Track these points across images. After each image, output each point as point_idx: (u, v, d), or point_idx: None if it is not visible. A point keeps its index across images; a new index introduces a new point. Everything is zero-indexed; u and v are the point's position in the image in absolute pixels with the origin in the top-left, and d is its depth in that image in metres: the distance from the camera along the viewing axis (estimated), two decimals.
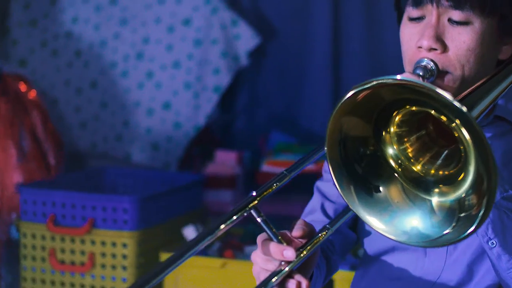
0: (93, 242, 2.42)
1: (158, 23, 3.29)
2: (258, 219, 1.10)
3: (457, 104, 0.93)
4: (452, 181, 1.04)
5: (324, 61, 3.20)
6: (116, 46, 3.33)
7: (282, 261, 1.11)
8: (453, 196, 1.03)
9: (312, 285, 1.28)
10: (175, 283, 2.38)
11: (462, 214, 1.00)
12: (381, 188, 1.08)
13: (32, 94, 2.94)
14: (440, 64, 1.22)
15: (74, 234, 2.42)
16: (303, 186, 1.47)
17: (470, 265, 1.31)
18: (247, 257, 2.34)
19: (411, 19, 1.26)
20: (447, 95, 0.94)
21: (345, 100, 1.00)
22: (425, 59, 1.22)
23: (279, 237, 1.11)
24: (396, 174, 1.09)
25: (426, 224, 1.04)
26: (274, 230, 1.12)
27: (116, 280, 2.40)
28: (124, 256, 2.40)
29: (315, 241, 1.14)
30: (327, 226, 1.16)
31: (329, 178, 1.08)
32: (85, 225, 2.41)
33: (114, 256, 2.41)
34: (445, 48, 1.22)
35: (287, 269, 1.10)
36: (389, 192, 1.08)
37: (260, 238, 1.14)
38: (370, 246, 1.42)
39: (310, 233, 1.15)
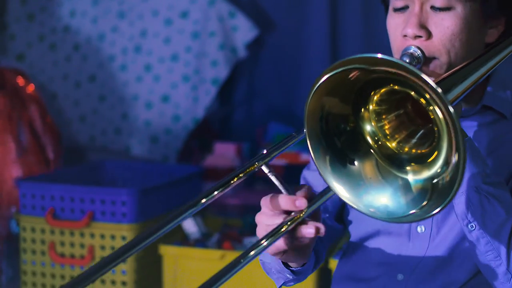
0: (92, 235, 2.43)
1: (156, 16, 3.29)
2: (269, 174, 1.13)
3: (432, 84, 0.95)
4: (424, 160, 1.07)
5: (322, 53, 3.20)
6: (114, 39, 3.33)
7: (293, 212, 1.12)
8: (425, 175, 1.06)
9: (311, 266, 1.30)
10: (174, 275, 2.39)
11: (433, 195, 1.02)
12: (356, 162, 1.11)
13: (30, 88, 2.94)
14: (426, 50, 1.24)
15: (73, 227, 2.43)
16: (295, 180, 1.49)
17: (451, 249, 1.33)
18: (245, 248, 2.35)
19: (396, 10, 1.29)
20: (423, 75, 0.96)
21: (324, 81, 1.03)
22: (412, 46, 1.24)
23: (289, 190, 1.13)
24: (372, 150, 1.12)
25: (396, 201, 1.07)
26: (284, 184, 1.14)
27: (115, 273, 2.41)
28: None
29: (318, 198, 1.16)
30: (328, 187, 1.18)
31: (315, 168, 1.10)
32: (84, 218, 2.42)
33: (113, 248, 2.41)
34: (429, 35, 1.25)
35: (297, 216, 1.11)
36: (364, 167, 1.11)
37: (265, 198, 1.15)
38: (354, 231, 1.44)
39: (313, 197, 1.16)
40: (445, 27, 1.24)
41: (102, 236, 2.42)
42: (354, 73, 1.02)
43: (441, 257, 1.34)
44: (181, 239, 2.50)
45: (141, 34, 3.30)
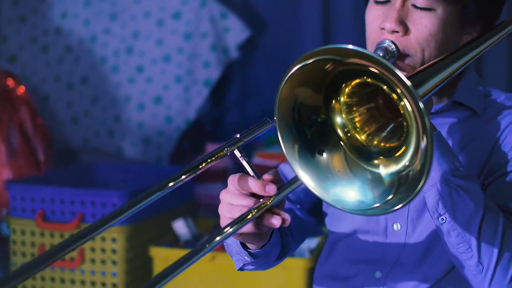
0: None
1: (148, 17, 3.28)
2: (241, 158, 1.14)
3: (403, 78, 0.95)
4: (393, 154, 1.08)
5: None
6: (106, 41, 3.32)
7: (259, 198, 1.12)
8: (393, 169, 1.06)
9: (269, 250, 1.30)
10: None
11: (400, 188, 1.03)
12: (324, 154, 1.11)
13: (21, 90, 2.93)
14: (401, 46, 1.25)
15: (63, 229, 2.42)
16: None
17: (427, 246, 1.34)
18: None
19: (377, 2, 1.30)
20: (395, 69, 0.96)
21: (298, 71, 1.03)
22: (387, 40, 1.25)
23: (259, 176, 1.14)
24: (341, 143, 1.12)
25: (364, 195, 1.07)
26: (255, 169, 1.14)
27: (106, 275, 2.40)
28: (114, 251, 2.39)
29: (287, 186, 1.16)
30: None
31: None
32: (74, 220, 2.41)
33: (103, 251, 2.40)
34: (406, 31, 1.26)
35: (266, 202, 1.12)
36: (332, 159, 1.11)
37: (233, 176, 1.16)
38: (333, 228, 1.45)
39: (280, 181, 1.17)
40: (423, 26, 1.25)
41: (93, 238, 2.41)
42: (329, 64, 1.02)
43: (418, 254, 1.35)
44: (171, 240, 2.49)
45: (133, 35, 3.29)
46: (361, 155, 1.11)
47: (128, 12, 3.30)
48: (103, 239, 2.40)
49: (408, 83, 0.94)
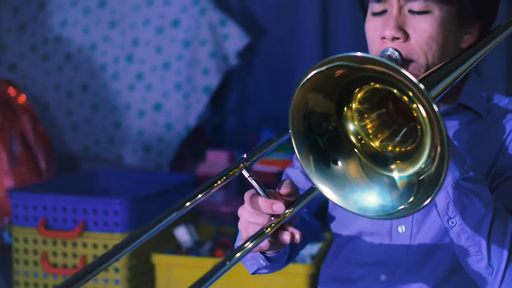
0: (84, 245, 2.43)
1: (147, 25, 3.29)
2: (249, 178, 1.16)
3: (415, 81, 0.96)
4: (409, 157, 1.09)
5: (314, 59, 3.21)
6: (105, 48, 3.34)
7: (271, 215, 1.15)
8: (410, 171, 1.07)
9: (283, 254, 1.32)
10: (167, 283, 2.38)
11: (420, 188, 1.04)
12: (339, 162, 1.12)
13: (22, 98, 2.94)
14: (404, 52, 1.27)
15: (66, 237, 2.43)
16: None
17: (432, 248, 1.35)
18: None
19: (374, 14, 1.32)
20: (406, 72, 0.97)
21: (310, 77, 1.04)
22: (390, 48, 1.26)
23: (268, 194, 1.16)
24: (355, 150, 1.13)
25: (384, 199, 1.08)
26: (263, 188, 1.17)
27: (108, 282, 2.41)
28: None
29: (303, 198, 1.18)
30: (313, 186, 1.19)
31: (299, 165, 1.11)
32: (76, 228, 2.41)
33: None
34: (407, 37, 1.27)
35: (279, 219, 1.14)
36: (348, 167, 1.12)
37: (247, 194, 1.18)
38: (339, 231, 1.46)
39: (296, 191, 1.19)
40: (422, 29, 1.27)
41: (95, 246, 2.42)
42: (339, 71, 1.03)
43: (422, 256, 1.36)
44: (173, 247, 2.50)
45: (132, 43, 3.31)
46: (376, 161, 1.12)
47: (127, 20, 3.32)
48: (105, 246, 2.41)
49: (421, 86, 0.96)
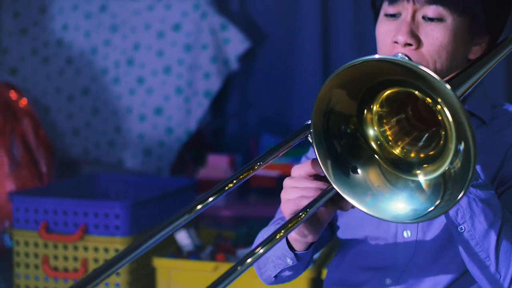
0: (85, 248, 2.43)
1: (148, 29, 3.30)
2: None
3: (441, 81, 0.96)
4: (434, 160, 1.08)
5: (314, 64, 3.22)
6: (106, 52, 3.34)
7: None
8: (437, 172, 1.06)
9: (306, 256, 1.32)
10: (168, 287, 2.39)
11: (448, 185, 1.03)
12: (359, 170, 1.10)
13: (23, 102, 2.94)
14: (413, 58, 1.27)
15: (67, 240, 2.43)
16: None
17: (437, 252, 1.35)
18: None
19: (387, 16, 1.31)
20: (432, 73, 0.97)
21: (339, 72, 1.02)
22: (400, 54, 1.26)
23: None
24: (376, 156, 1.11)
25: (414, 203, 1.06)
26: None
27: (109, 286, 2.41)
28: None
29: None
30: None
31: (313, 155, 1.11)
32: (77, 231, 2.42)
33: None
34: (419, 44, 1.28)
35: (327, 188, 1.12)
36: (368, 175, 1.10)
37: (303, 163, 1.18)
38: (344, 236, 1.46)
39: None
40: (435, 38, 1.27)
41: (96, 249, 2.42)
42: (375, 67, 1.02)
43: (427, 261, 1.36)
44: (174, 251, 2.50)
45: (133, 47, 3.31)
46: (399, 167, 1.11)
47: (128, 24, 3.32)
48: (106, 250, 2.41)
49: (448, 86, 0.96)
